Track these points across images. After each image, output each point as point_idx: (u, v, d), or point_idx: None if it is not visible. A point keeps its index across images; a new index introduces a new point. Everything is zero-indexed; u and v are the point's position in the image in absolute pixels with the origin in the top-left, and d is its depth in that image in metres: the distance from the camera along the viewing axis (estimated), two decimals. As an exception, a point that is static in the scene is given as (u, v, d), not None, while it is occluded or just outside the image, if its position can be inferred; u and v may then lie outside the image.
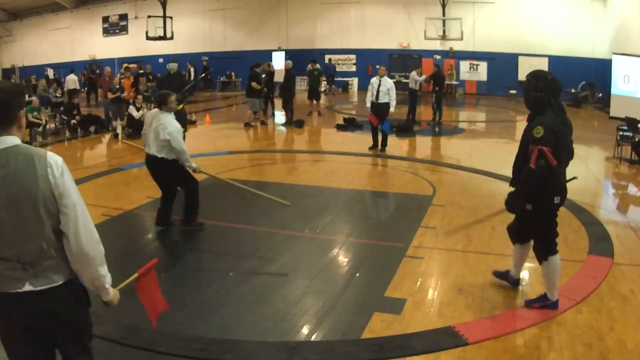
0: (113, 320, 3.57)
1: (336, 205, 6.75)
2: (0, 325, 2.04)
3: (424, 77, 14.82)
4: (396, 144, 10.97)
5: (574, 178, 3.85)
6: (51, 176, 1.94)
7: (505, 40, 20.74)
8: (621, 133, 9.56)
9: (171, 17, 22.66)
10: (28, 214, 1.92)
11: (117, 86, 12.56)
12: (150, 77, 16.46)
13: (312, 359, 3.30)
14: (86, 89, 21.50)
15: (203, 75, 21.96)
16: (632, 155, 9.26)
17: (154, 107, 5.73)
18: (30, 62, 27.42)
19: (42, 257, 1.97)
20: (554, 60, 19.45)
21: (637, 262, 4.80)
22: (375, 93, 9.83)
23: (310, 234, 5.61)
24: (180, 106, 9.59)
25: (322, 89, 19.89)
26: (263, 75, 14.39)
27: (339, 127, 13.14)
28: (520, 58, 20.40)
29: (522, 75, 18.24)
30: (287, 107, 13.99)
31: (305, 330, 3.68)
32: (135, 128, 11.27)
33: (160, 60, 24.06)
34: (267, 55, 22.10)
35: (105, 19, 27.26)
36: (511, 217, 4.08)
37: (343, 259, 5.00)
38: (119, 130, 12.26)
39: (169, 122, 5.31)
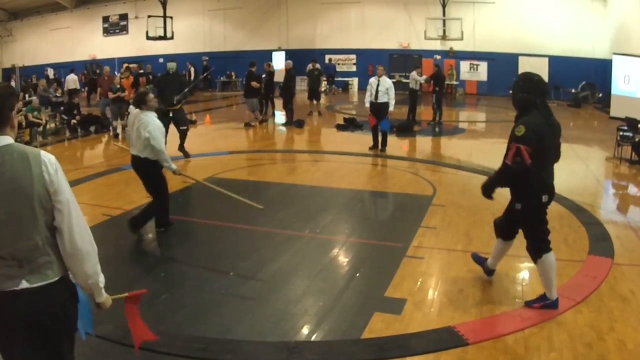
0: (113, 320, 3.56)
1: (336, 206, 6.75)
2: None
3: (424, 77, 14.78)
4: (396, 144, 10.97)
5: None
6: (46, 174, 1.97)
7: (506, 40, 20.73)
8: (621, 133, 9.55)
9: (171, 17, 22.67)
10: (23, 211, 1.95)
11: (118, 86, 12.56)
12: (151, 77, 16.46)
13: (312, 359, 3.30)
14: (86, 89, 21.51)
15: (205, 75, 21.94)
16: (632, 156, 9.25)
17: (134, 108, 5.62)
18: (31, 62, 27.42)
19: (37, 254, 2.00)
20: (554, 60, 19.47)
21: (637, 262, 4.80)
22: (374, 93, 9.83)
23: (310, 234, 5.61)
24: (179, 106, 9.63)
25: (322, 89, 19.89)
26: (263, 75, 14.40)
27: (339, 127, 13.15)
28: (521, 58, 20.33)
29: (522, 76, 18.21)
30: (287, 107, 13.98)
31: (305, 330, 3.68)
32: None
33: (161, 60, 24.03)
34: (267, 55, 22.10)
35: (105, 19, 27.27)
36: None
37: (343, 259, 5.00)
38: (119, 130, 12.25)
39: (150, 120, 5.26)
